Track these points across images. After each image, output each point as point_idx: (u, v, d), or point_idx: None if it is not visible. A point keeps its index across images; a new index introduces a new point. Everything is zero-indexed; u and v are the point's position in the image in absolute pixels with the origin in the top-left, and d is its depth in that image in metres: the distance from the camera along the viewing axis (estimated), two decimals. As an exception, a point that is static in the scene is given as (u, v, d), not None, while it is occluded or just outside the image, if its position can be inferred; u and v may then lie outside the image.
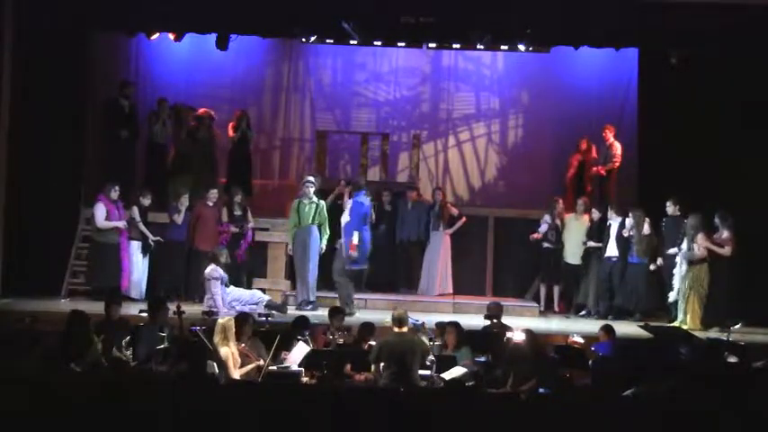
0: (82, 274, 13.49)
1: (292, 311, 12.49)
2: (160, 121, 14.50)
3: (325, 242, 13.01)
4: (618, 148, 14.47)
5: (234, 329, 9.62)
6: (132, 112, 14.31)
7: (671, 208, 13.02)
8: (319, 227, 12.95)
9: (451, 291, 14.23)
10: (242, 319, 10.01)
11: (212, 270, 12.35)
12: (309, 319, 10.80)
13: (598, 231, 13.61)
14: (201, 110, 14.64)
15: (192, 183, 14.10)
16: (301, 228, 12.87)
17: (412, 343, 9.54)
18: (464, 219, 14.33)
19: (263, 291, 13.12)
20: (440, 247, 14.24)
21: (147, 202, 13.34)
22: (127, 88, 14.30)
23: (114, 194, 12.92)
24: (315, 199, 12.94)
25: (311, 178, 13.11)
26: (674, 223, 12.95)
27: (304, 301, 12.88)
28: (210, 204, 13.47)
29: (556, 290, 13.97)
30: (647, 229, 13.22)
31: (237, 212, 13.51)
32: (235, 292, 12.54)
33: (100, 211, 12.86)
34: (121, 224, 12.93)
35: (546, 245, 13.86)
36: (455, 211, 14.36)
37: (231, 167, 14.71)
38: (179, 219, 13.28)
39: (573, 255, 13.77)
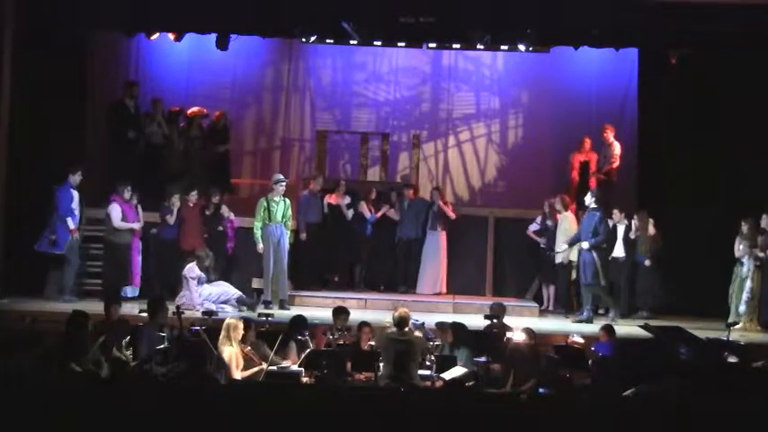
0: (82, 275, 13.48)
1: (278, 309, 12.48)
2: (155, 122, 14.49)
3: (290, 239, 13.00)
4: (617, 147, 14.46)
5: (241, 330, 9.64)
6: (137, 113, 14.32)
7: (589, 200, 12.93)
8: (284, 224, 12.94)
9: (444, 290, 14.22)
10: (246, 323, 10.02)
11: (189, 269, 12.48)
12: (307, 319, 10.81)
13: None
14: (193, 109, 14.64)
15: (187, 183, 14.08)
16: (271, 225, 12.81)
17: (411, 343, 9.55)
18: (454, 216, 14.28)
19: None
20: (438, 248, 14.22)
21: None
22: (132, 88, 14.33)
23: (127, 194, 13.01)
24: (282, 197, 12.94)
25: (281, 177, 13.10)
26: (591, 216, 12.81)
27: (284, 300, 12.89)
28: (191, 205, 13.48)
29: (551, 289, 13.97)
30: (651, 229, 13.23)
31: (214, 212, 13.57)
32: (205, 290, 12.55)
33: (115, 211, 12.90)
34: (137, 226, 13.04)
35: (542, 245, 13.89)
36: (452, 215, 14.28)
37: (209, 167, 14.73)
38: (171, 219, 13.31)
39: (557, 254, 13.67)
